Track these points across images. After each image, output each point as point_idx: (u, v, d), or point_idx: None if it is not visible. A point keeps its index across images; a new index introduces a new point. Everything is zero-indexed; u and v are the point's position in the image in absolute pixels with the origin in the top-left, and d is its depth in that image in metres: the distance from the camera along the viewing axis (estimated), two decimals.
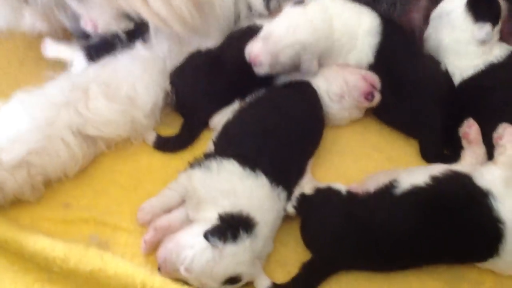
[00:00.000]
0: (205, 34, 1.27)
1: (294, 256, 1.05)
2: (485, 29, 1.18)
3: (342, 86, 1.18)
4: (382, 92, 1.19)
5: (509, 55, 1.20)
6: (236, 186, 1.03)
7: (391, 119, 1.23)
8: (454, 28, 1.21)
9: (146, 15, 1.18)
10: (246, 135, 1.11)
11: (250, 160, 1.05)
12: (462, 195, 0.99)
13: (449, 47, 1.22)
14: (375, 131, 1.23)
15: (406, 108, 1.19)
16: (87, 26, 1.22)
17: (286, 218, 1.08)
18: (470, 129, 1.12)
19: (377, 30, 1.21)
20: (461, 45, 1.21)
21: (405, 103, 1.19)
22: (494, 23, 1.19)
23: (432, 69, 1.22)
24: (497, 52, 1.20)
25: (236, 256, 0.96)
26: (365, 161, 1.19)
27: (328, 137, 1.21)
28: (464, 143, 1.13)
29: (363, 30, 1.21)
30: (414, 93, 1.19)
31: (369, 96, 1.17)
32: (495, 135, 1.07)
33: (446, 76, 1.22)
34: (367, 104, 1.19)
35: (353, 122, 1.23)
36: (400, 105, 1.19)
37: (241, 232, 0.97)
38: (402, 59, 1.21)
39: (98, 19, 1.21)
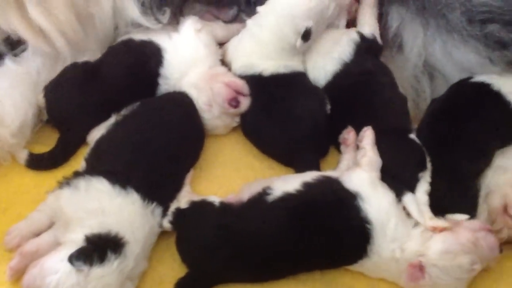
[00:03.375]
0: (86, 48, 1.23)
1: (170, 273, 1.02)
2: None
3: (208, 94, 1.16)
4: (258, 114, 1.17)
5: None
6: (104, 205, 0.99)
7: (264, 144, 1.19)
8: None
9: (24, 32, 1.13)
10: (117, 150, 1.07)
11: (120, 177, 1.02)
12: (331, 199, 1.00)
13: None
14: None
15: (282, 136, 1.16)
16: None
17: (163, 234, 1.05)
18: (349, 135, 1.13)
19: None
20: None
21: (282, 132, 1.15)
22: None
23: (315, 105, 1.19)
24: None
25: (103, 278, 0.92)
26: (247, 170, 1.17)
27: (210, 148, 1.19)
28: (342, 148, 1.15)
29: None
30: (292, 124, 1.16)
31: (233, 101, 1.16)
32: (358, 138, 1.10)
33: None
34: (233, 110, 1.17)
35: (234, 131, 1.21)
36: (276, 132, 1.16)
37: (108, 253, 0.93)
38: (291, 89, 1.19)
39: None
